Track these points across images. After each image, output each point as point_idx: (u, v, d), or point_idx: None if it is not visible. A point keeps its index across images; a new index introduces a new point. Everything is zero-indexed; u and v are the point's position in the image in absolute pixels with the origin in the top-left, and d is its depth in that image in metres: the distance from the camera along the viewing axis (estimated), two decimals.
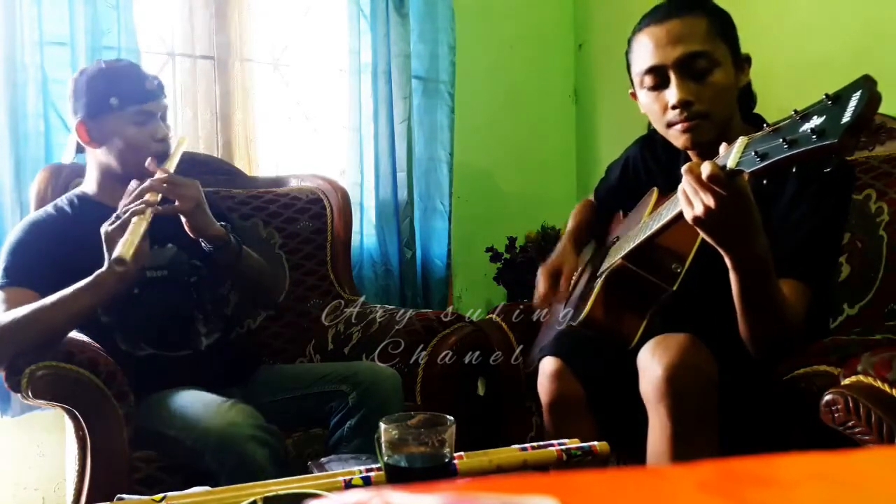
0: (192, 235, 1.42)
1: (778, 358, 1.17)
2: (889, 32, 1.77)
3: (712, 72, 1.17)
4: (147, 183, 1.37)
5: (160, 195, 1.35)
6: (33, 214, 1.50)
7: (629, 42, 1.27)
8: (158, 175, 1.40)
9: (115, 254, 1.22)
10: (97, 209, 1.47)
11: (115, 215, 1.31)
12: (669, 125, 1.22)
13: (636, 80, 1.26)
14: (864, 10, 1.84)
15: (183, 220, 1.41)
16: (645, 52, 1.21)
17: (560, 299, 1.48)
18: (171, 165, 1.45)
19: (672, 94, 1.18)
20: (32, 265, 1.39)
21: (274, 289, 1.75)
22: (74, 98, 1.46)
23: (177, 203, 1.38)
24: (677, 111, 1.18)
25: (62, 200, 1.52)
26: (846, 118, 0.76)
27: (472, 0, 2.51)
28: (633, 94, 1.31)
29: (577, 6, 2.78)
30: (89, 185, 1.53)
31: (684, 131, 1.20)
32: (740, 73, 1.23)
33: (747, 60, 1.24)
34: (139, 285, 1.45)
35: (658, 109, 1.22)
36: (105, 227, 1.29)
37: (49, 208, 1.50)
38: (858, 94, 0.77)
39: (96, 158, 1.49)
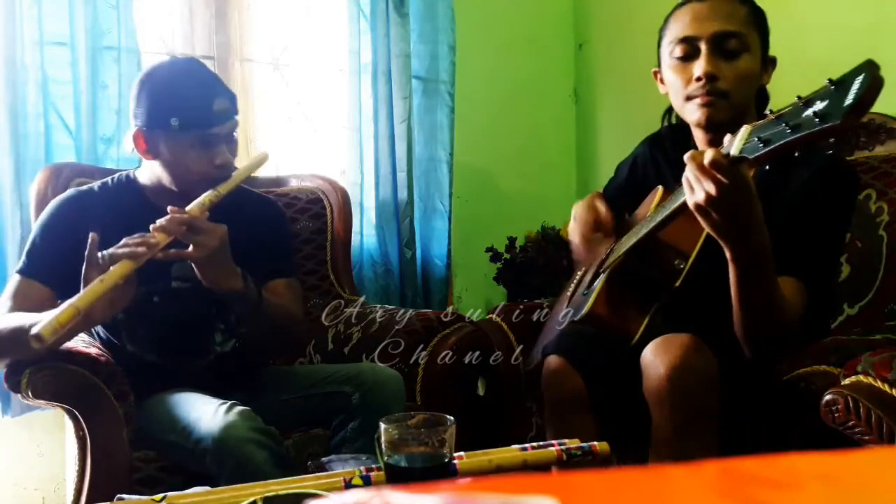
0: (204, 283, 1.31)
1: (770, 356, 1.17)
2: (889, 32, 1.77)
3: (742, 55, 1.20)
4: (161, 223, 1.24)
5: (171, 237, 1.23)
6: (73, 190, 1.45)
7: (666, 19, 1.29)
8: (193, 205, 1.29)
9: (35, 329, 1.05)
10: (138, 197, 1.44)
11: (104, 253, 1.18)
12: (689, 98, 1.23)
13: (665, 49, 1.27)
14: (866, 10, 1.84)
15: (194, 267, 1.29)
16: (682, 23, 1.24)
17: (606, 236, 1.43)
18: (228, 188, 1.35)
19: (700, 65, 1.20)
20: (54, 254, 1.35)
21: (297, 337, 1.57)
22: (136, 102, 1.36)
23: (190, 248, 1.25)
24: (700, 84, 1.20)
25: (112, 178, 1.48)
26: (849, 100, 0.78)
27: (472, 0, 2.51)
28: (656, 73, 1.33)
29: (577, 6, 2.78)
30: (142, 175, 1.46)
31: (703, 105, 1.21)
32: (764, 70, 1.25)
33: (772, 62, 1.27)
34: (161, 294, 1.41)
35: (681, 81, 1.24)
36: (85, 267, 1.17)
37: (95, 184, 1.47)
38: (861, 77, 0.78)
39: (152, 165, 1.41)
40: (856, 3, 1.87)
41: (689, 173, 0.98)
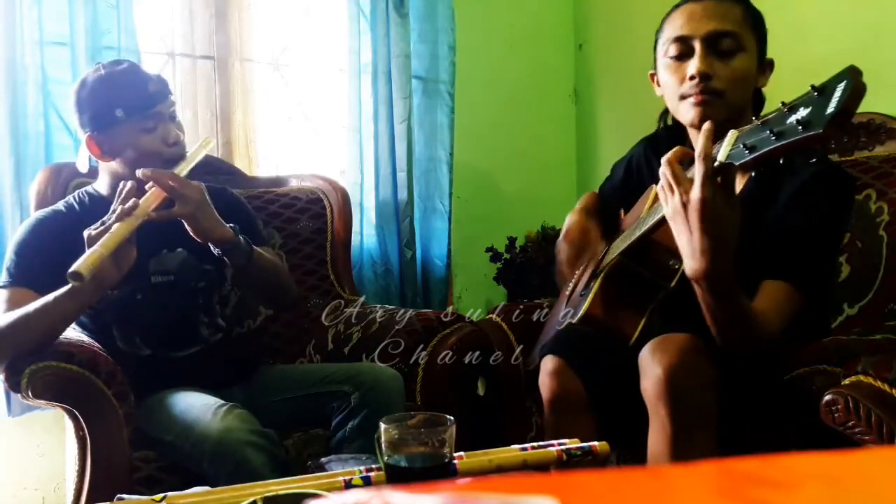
0: (197, 240, 1.37)
1: (754, 362, 1.17)
2: (889, 32, 1.77)
3: (736, 55, 1.20)
4: (143, 174, 1.32)
5: (157, 200, 1.31)
6: (42, 211, 1.49)
7: (662, 21, 1.29)
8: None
9: (72, 267, 1.16)
10: (104, 207, 1.44)
11: (101, 220, 1.27)
12: (683, 97, 1.23)
13: (661, 49, 1.28)
14: (864, 10, 1.84)
15: (185, 224, 1.35)
16: (677, 23, 1.24)
17: (584, 266, 1.47)
18: (186, 169, 1.41)
19: (693, 64, 1.20)
20: (35, 265, 1.38)
21: (291, 287, 1.65)
22: (79, 112, 1.42)
23: (176, 207, 1.32)
24: (694, 82, 1.20)
25: (73, 197, 1.51)
26: (831, 108, 0.78)
27: (472, 0, 2.51)
28: (653, 76, 1.33)
29: (577, 6, 2.78)
30: (101, 186, 1.51)
31: (697, 104, 1.21)
32: (761, 72, 1.25)
33: (770, 65, 1.26)
34: (143, 290, 1.44)
35: (675, 80, 1.24)
36: (88, 231, 1.25)
37: (60, 205, 1.50)
38: (843, 84, 0.78)
39: (110, 168, 1.46)
40: (856, 3, 1.87)
41: (666, 178, 1.00)
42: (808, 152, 1.19)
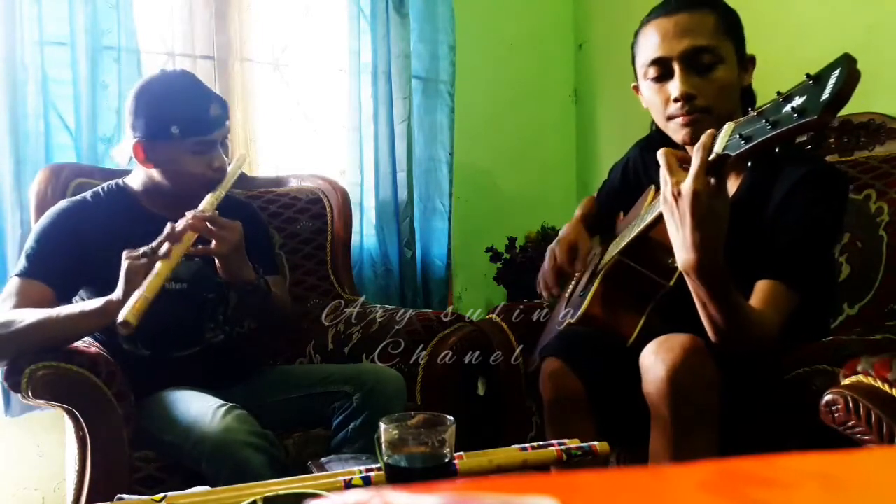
0: (223, 277, 1.39)
1: (751, 357, 1.17)
2: (889, 32, 1.77)
3: (716, 67, 1.18)
4: (187, 221, 1.32)
5: (196, 235, 1.32)
6: (69, 201, 1.49)
7: (636, 34, 1.27)
8: (203, 204, 1.38)
9: (122, 317, 1.17)
10: (131, 204, 1.48)
11: (142, 251, 1.27)
12: (670, 118, 1.22)
13: (640, 71, 1.26)
14: (865, 10, 1.84)
15: (216, 261, 1.38)
16: (651, 43, 1.21)
17: (576, 272, 1.46)
18: (223, 191, 1.43)
19: (675, 86, 1.18)
20: (53, 258, 1.39)
21: (288, 314, 1.68)
22: (134, 115, 1.41)
23: (213, 245, 1.35)
24: (679, 104, 1.19)
25: (101, 188, 1.52)
26: (826, 95, 0.79)
27: (472, 0, 2.52)
28: (636, 88, 1.31)
29: (577, 6, 2.78)
30: (134, 182, 1.51)
31: (685, 125, 1.20)
32: (744, 72, 1.23)
33: (752, 61, 1.25)
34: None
35: (660, 102, 1.22)
36: (130, 259, 1.25)
37: (87, 194, 1.50)
38: (837, 72, 0.79)
39: (148, 171, 1.47)
40: (855, 3, 1.87)
41: (663, 169, 1.00)
42: (800, 155, 1.19)
